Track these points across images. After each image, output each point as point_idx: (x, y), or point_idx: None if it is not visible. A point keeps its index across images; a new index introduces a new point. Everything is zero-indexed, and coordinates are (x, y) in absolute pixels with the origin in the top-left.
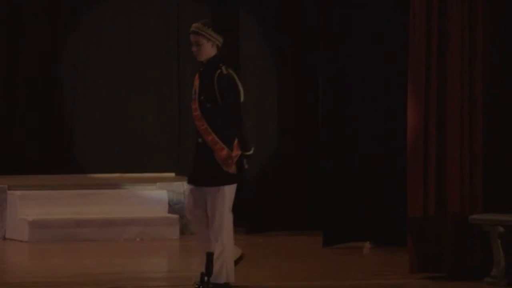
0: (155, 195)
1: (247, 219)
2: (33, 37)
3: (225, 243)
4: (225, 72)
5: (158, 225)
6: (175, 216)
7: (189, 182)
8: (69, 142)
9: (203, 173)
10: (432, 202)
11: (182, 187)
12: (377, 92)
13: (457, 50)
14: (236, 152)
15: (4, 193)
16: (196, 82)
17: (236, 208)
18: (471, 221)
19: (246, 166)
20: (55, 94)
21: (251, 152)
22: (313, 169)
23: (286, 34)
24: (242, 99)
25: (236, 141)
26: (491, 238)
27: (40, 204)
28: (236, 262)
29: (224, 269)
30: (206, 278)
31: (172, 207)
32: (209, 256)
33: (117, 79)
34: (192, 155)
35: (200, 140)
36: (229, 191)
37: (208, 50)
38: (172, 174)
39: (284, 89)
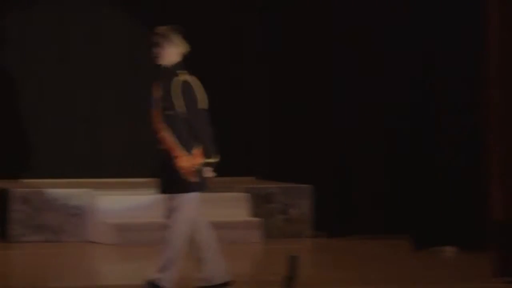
0: (237, 198)
1: (328, 223)
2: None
3: (175, 250)
4: (184, 79)
5: (241, 228)
6: (258, 219)
7: (157, 189)
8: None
9: (165, 180)
10: None
11: (264, 190)
12: (461, 89)
13: None
14: (198, 160)
15: (89, 197)
16: (155, 89)
17: (318, 212)
18: None
19: (208, 175)
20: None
21: (213, 160)
22: (396, 171)
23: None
24: (205, 105)
25: (198, 149)
26: None
27: (124, 208)
28: (221, 286)
29: (169, 275)
30: (290, 281)
31: (254, 210)
32: (293, 259)
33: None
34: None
35: (160, 147)
36: (188, 200)
37: (171, 55)
38: (253, 178)
39: (373, 87)
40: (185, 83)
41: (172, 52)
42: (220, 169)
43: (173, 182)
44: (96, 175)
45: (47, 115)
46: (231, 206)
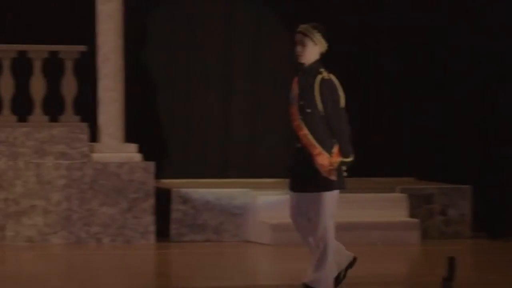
0: (395, 199)
1: (488, 224)
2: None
3: (326, 250)
4: (326, 77)
5: (399, 229)
6: (416, 220)
7: (289, 188)
8: None
9: (302, 179)
10: None
11: (423, 191)
12: None
13: None
14: (336, 159)
15: (248, 197)
16: (295, 86)
17: (477, 213)
18: None
19: (345, 174)
20: None
21: (350, 159)
22: None
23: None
24: (343, 105)
25: (336, 148)
26: None
27: (283, 208)
28: (350, 265)
29: (324, 276)
30: (448, 283)
31: (412, 211)
32: (451, 261)
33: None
34: (291, 160)
35: (299, 145)
36: (329, 198)
37: (312, 53)
38: (412, 179)
39: None
40: (328, 81)
41: (314, 50)
42: (380, 170)
43: (313, 181)
44: (255, 175)
45: (207, 115)
46: (389, 206)
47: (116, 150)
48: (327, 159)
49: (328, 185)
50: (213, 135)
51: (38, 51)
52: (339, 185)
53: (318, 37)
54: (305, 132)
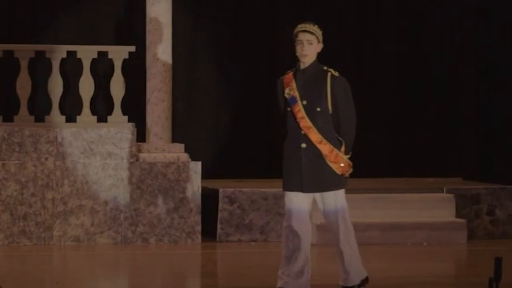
0: (443, 199)
1: None
2: None
3: (353, 245)
4: (336, 74)
5: (445, 229)
6: (463, 220)
7: (296, 189)
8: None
9: (317, 178)
10: None
11: (470, 191)
12: None
13: None
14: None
15: None
16: (292, 84)
17: None
18: None
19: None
20: None
21: (349, 156)
22: None
23: None
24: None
25: (344, 145)
26: None
27: None
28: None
29: (358, 268)
30: (494, 284)
31: (459, 211)
32: (498, 261)
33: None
34: (292, 160)
35: (304, 145)
36: (344, 194)
37: (316, 52)
38: (460, 179)
39: None
40: (340, 79)
41: (317, 49)
42: (427, 170)
43: (331, 179)
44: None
45: (252, 115)
46: (436, 207)
47: (163, 150)
48: (340, 157)
49: (344, 182)
50: (258, 134)
51: (87, 51)
52: (347, 182)
53: (321, 34)
54: (314, 131)
